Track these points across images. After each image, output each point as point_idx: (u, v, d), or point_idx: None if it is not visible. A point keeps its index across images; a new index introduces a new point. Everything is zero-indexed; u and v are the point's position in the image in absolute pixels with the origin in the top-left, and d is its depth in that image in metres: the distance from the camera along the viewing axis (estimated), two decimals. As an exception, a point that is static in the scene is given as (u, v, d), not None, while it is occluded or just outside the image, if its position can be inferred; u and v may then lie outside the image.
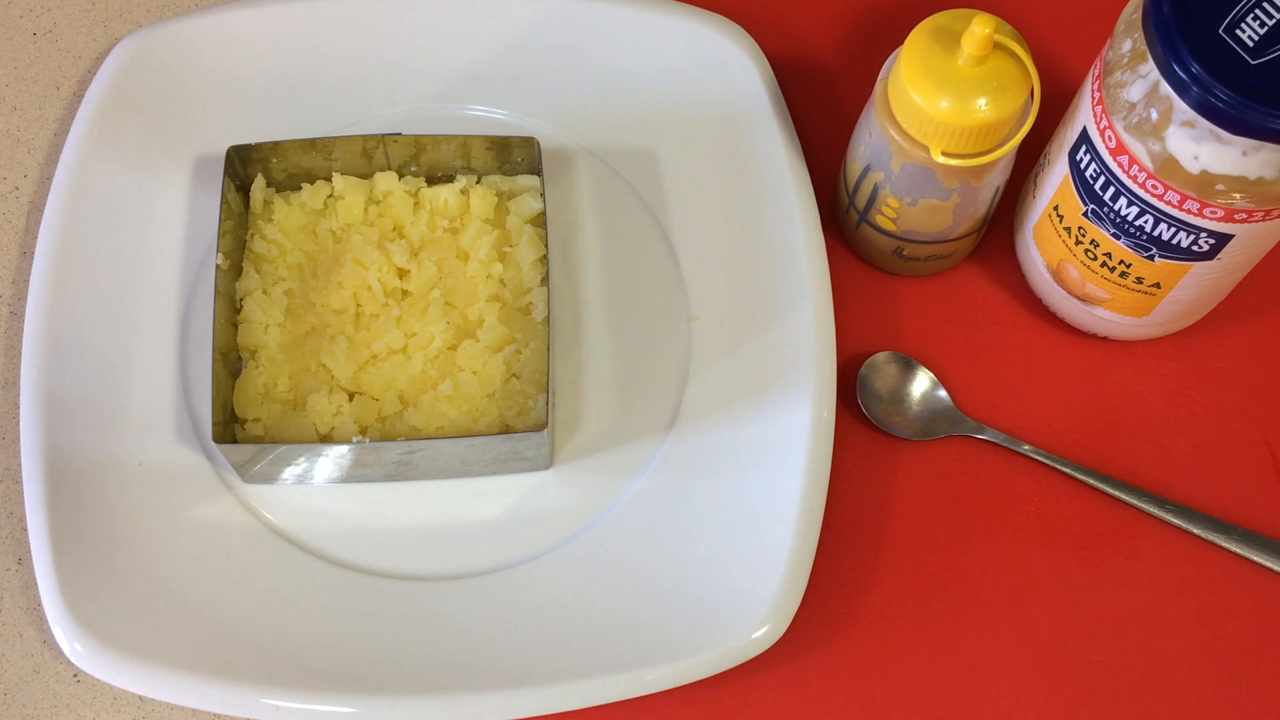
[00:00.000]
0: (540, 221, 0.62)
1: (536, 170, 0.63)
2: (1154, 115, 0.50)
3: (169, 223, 0.64)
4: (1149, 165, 0.51)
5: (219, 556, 0.59)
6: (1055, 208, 0.58)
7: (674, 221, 0.65)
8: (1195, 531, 0.60)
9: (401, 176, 0.64)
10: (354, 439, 0.58)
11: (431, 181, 0.64)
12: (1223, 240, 0.53)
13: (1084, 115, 0.54)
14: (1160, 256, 0.55)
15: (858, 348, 0.63)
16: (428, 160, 0.63)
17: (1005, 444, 0.61)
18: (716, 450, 0.61)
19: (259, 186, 0.63)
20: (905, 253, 0.62)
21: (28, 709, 0.58)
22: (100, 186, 0.64)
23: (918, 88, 0.54)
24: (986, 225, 0.62)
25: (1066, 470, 0.61)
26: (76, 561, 0.57)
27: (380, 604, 0.58)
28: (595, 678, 0.56)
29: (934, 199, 0.58)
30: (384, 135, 0.62)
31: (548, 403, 0.58)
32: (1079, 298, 0.60)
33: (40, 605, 0.58)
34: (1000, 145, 0.55)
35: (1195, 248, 0.54)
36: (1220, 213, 0.51)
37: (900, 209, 0.59)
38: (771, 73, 0.66)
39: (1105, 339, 0.63)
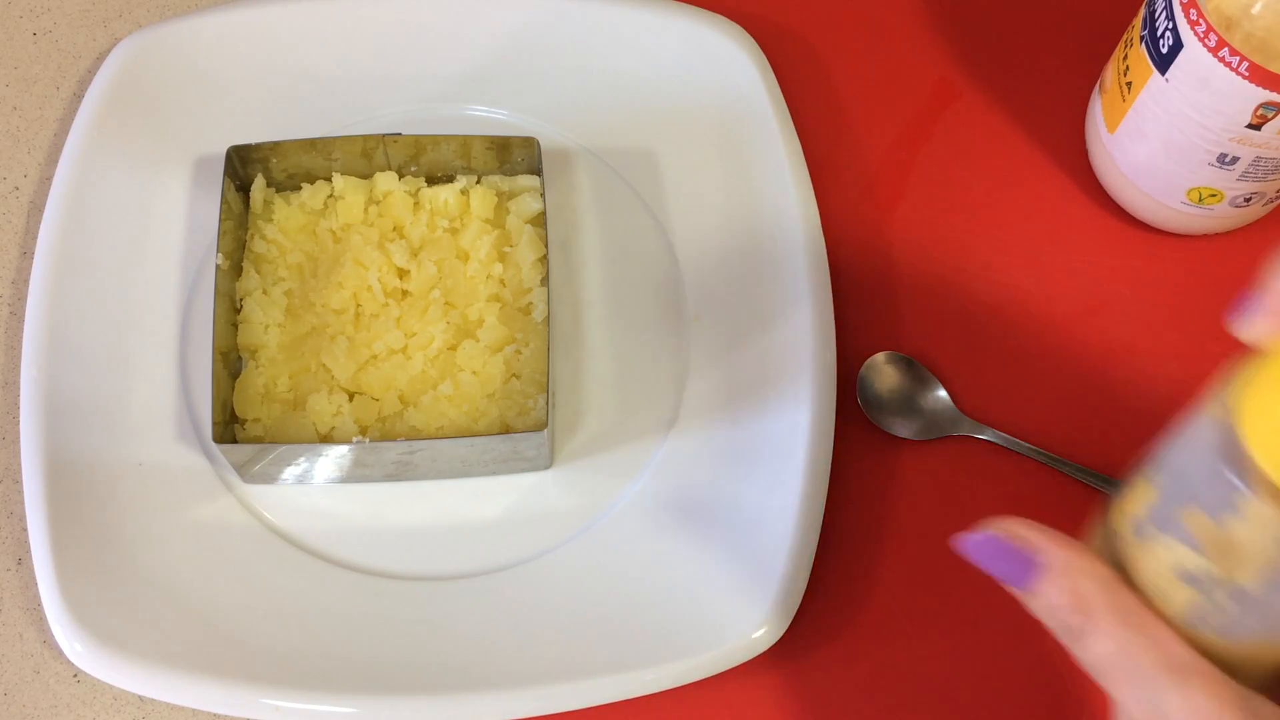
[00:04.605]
0: (540, 221, 0.62)
1: (536, 170, 0.63)
2: None
3: (169, 223, 0.64)
4: None
5: (219, 556, 0.59)
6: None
7: (674, 221, 0.65)
8: (1195, 531, 0.60)
9: (401, 176, 0.64)
10: (354, 439, 0.58)
11: (431, 181, 0.64)
12: (1174, 51, 0.55)
13: None
14: (1143, 42, 0.58)
15: (858, 348, 0.63)
16: (428, 160, 0.63)
17: (1005, 444, 0.61)
18: (716, 450, 0.61)
19: (259, 186, 0.63)
20: None
21: (28, 709, 0.58)
22: (100, 186, 0.64)
23: None
24: None
25: (1066, 470, 0.61)
26: (76, 561, 0.57)
27: (380, 604, 0.58)
28: (595, 678, 0.56)
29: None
30: (384, 135, 0.62)
31: (548, 403, 0.58)
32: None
33: (40, 605, 0.58)
34: None
35: (1160, 45, 0.56)
36: (1201, 23, 0.53)
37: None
38: (771, 73, 0.66)
39: (1105, 339, 0.63)
